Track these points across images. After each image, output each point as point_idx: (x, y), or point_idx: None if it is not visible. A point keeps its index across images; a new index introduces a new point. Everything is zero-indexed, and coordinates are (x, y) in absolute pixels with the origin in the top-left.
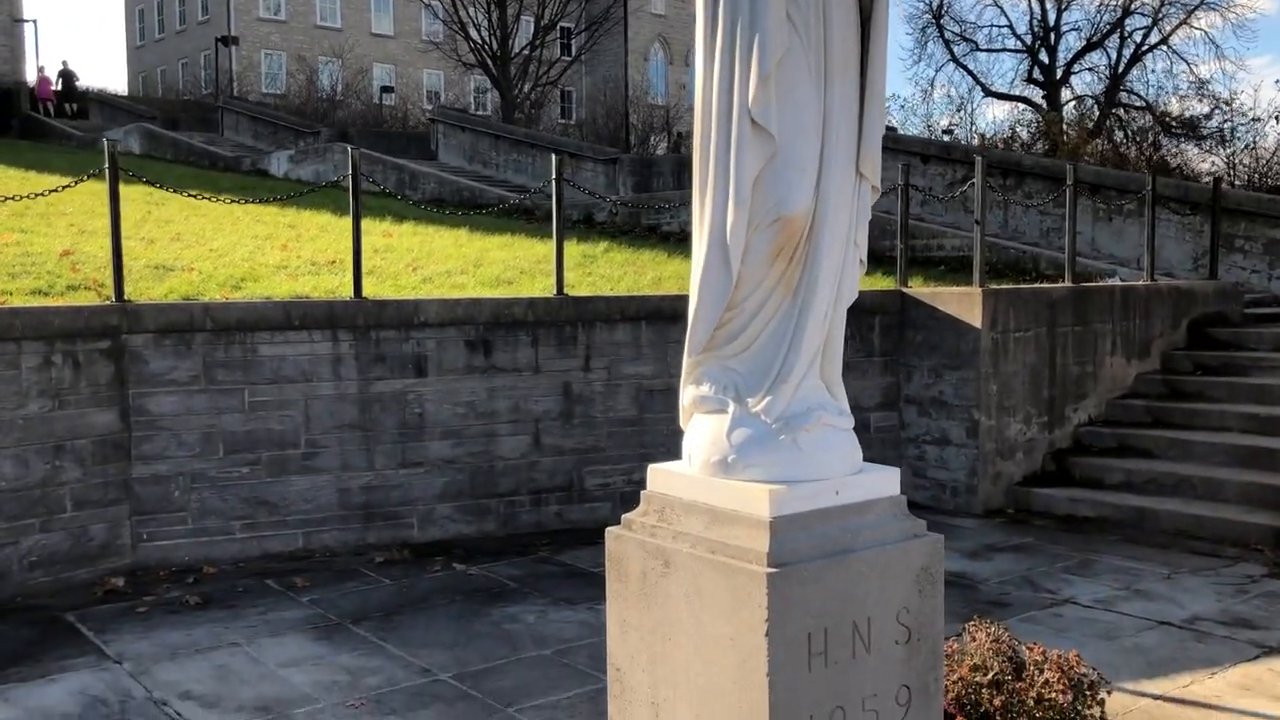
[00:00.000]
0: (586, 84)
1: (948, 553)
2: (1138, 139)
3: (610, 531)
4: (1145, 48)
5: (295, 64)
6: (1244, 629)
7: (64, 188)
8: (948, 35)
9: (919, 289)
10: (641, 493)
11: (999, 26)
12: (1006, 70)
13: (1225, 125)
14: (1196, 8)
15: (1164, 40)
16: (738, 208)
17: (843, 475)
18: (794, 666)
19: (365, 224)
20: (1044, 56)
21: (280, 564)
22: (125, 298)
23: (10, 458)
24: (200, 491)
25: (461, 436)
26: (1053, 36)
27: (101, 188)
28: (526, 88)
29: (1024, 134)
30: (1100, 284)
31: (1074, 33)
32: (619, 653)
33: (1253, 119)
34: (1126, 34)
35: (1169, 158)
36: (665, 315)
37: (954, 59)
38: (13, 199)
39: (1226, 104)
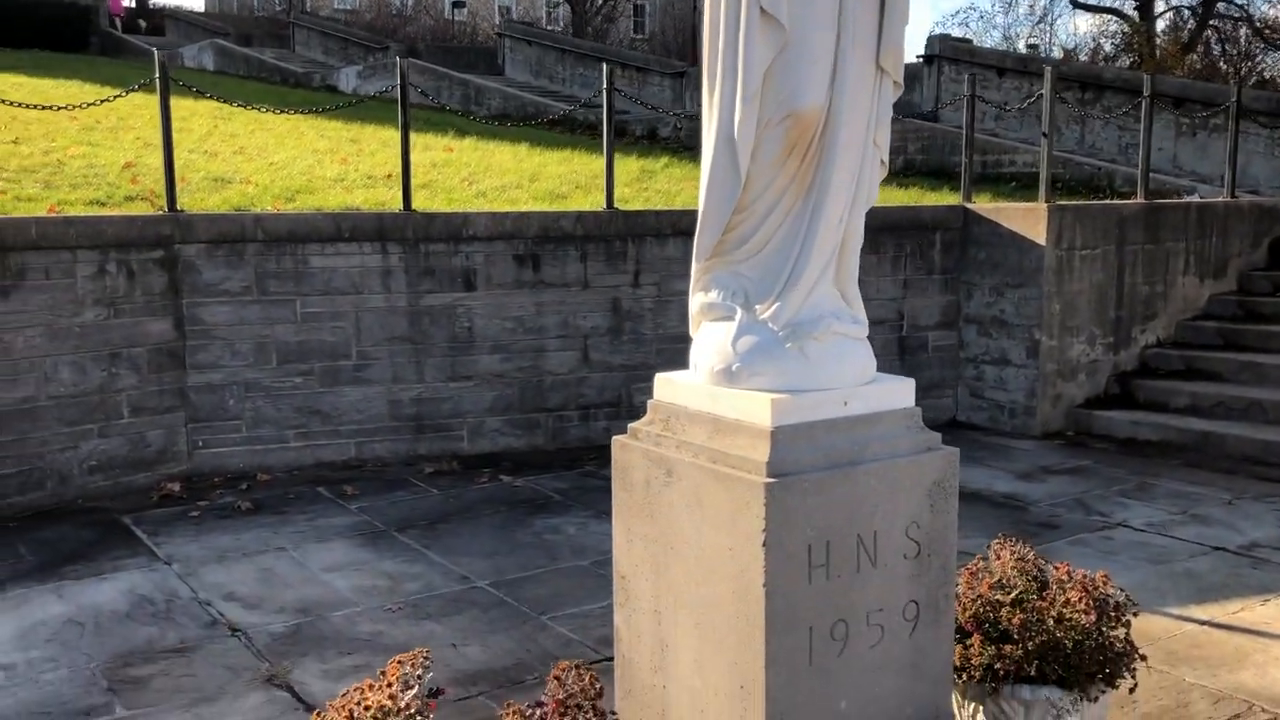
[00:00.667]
0: None
1: (999, 473)
2: (1231, 51)
3: (616, 440)
4: None
5: None
6: None
7: (113, 99)
8: None
9: (983, 205)
10: (648, 401)
11: None
12: None
13: None
14: None
15: None
16: (746, 103)
17: (853, 385)
18: (792, 578)
19: (428, 139)
20: None
21: (333, 472)
22: (178, 208)
23: (68, 364)
24: (254, 400)
25: (510, 351)
26: None
27: (174, 101)
28: (598, 1)
29: (1108, 47)
30: (1175, 200)
31: None
32: (624, 561)
33: None
34: None
35: (1266, 70)
36: None
37: None
38: (62, 108)
39: None
